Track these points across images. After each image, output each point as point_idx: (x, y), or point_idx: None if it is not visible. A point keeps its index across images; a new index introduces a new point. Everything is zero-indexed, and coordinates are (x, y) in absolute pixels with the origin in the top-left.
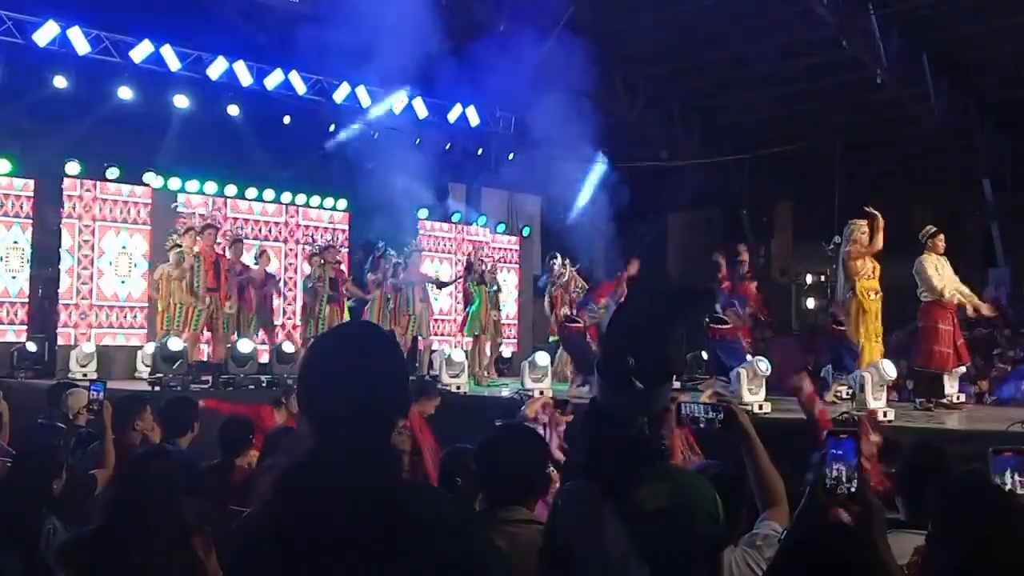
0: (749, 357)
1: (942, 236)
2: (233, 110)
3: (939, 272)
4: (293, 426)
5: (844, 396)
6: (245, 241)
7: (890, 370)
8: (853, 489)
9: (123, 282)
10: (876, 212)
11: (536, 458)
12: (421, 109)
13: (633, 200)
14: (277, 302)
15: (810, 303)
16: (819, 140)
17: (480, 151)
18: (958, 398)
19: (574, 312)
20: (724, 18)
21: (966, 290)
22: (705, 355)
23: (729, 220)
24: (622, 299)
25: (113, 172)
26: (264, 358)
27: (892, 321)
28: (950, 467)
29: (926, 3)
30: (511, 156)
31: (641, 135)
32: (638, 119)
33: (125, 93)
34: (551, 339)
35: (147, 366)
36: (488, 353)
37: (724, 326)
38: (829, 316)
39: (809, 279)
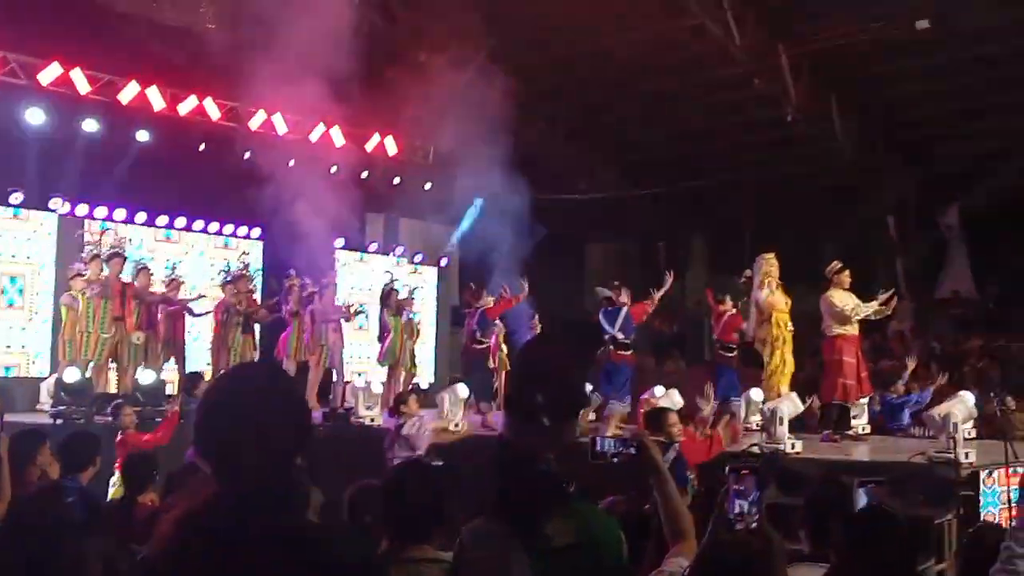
0: (660, 389)
1: (847, 272)
2: (143, 135)
3: (844, 303)
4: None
5: (754, 428)
6: (153, 269)
7: (797, 403)
8: (754, 524)
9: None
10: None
11: (438, 495)
12: (338, 137)
13: (552, 231)
14: (189, 331)
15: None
16: (733, 176)
17: (398, 181)
18: (864, 429)
19: (478, 334)
20: (642, 55)
21: (867, 305)
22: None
23: (646, 252)
24: (533, 329)
25: (17, 197)
26: (171, 389)
27: (803, 352)
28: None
29: (835, 44)
30: (428, 186)
31: (560, 167)
32: (558, 152)
33: (33, 116)
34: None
35: (51, 397)
36: (403, 385)
37: (625, 352)
38: (717, 344)
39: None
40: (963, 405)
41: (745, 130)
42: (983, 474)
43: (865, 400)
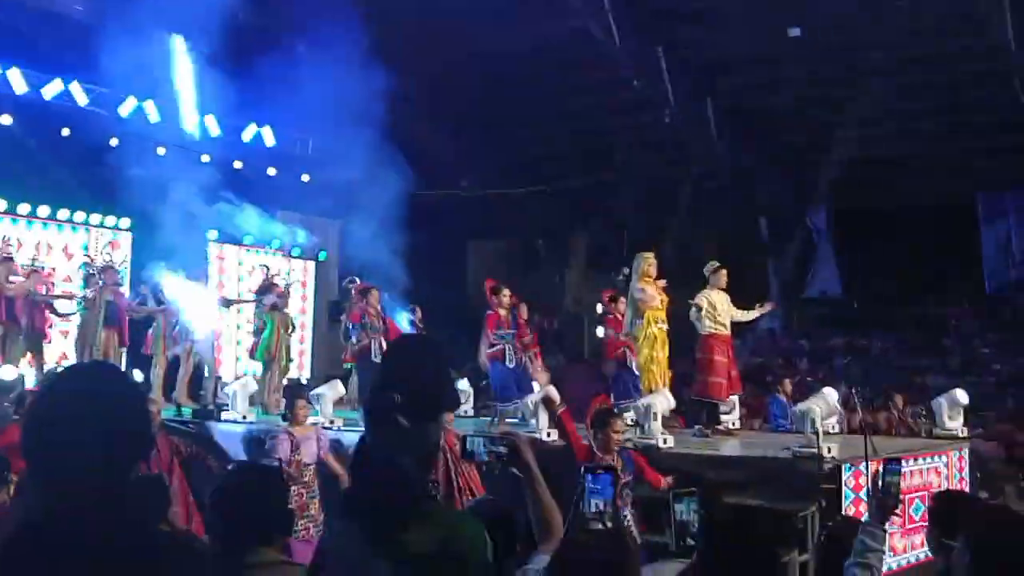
0: (537, 385)
1: (724, 271)
2: (6, 120)
3: (713, 308)
4: None
5: (628, 423)
6: (16, 260)
7: (670, 399)
8: (610, 523)
9: None
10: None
11: (275, 496)
12: (214, 127)
13: (434, 227)
14: (50, 324)
15: (600, 332)
16: (613, 175)
17: (276, 173)
18: (733, 424)
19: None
20: (525, 55)
21: (738, 314)
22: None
23: (526, 250)
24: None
25: None
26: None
27: (679, 351)
28: (715, 500)
29: (713, 50)
30: (306, 178)
31: (443, 163)
32: (440, 148)
33: None
34: (346, 366)
35: None
36: (278, 381)
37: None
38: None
39: (600, 308)
40: (824, 401)
41: (625, 130)
42: (845, 468)
43: (735, 397)
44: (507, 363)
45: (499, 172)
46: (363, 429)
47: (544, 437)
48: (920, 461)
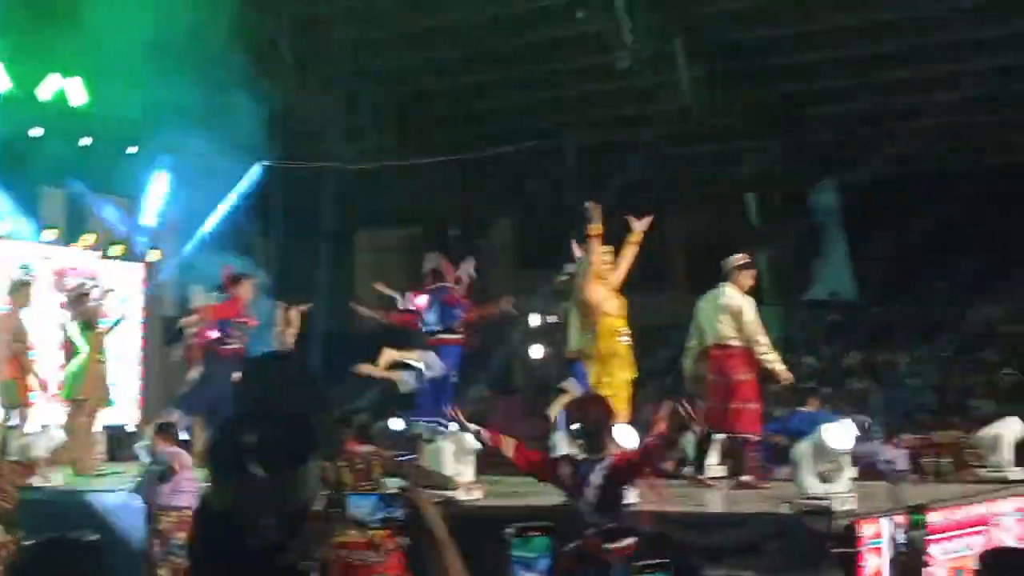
0: (448, 426)
1: (753, 272)
2: None
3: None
4: None
5: None
6: None
7: (630, 437)
8: None
9: None
10: (634, 222)
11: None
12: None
13: (308, 214)
14: None
15: (536, 352)
16: (550, 141)
17: (88, 142)
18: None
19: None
20: None
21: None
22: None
23: (435, 241)
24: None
25: None
26: None
27: (643, 372)
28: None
29: None
30: (133, 150)
31: (316, 128)
32: (312, 106)
33: None
34: None
35: None
36: (95, 426)
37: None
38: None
39: (535, 320)
40: (830, 436)
41: (567, 80)
42: (864, 526)
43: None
44: None
45: (396, 138)
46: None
47: (463, 495)
48: (962, 512)
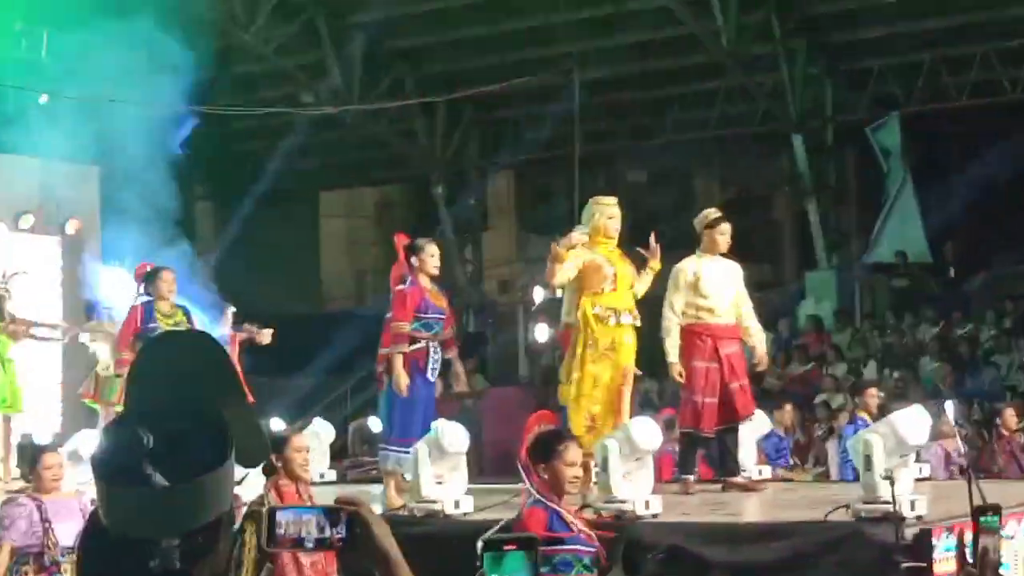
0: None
1: (727, 227)
2: None
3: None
4: None
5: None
6: None
7: (645, 434)
8: None
9: None
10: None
11: None
12: None
13: (259, 172)
14: None
15: (542, 332)
16: (550, 76)
17: None
18: (759, 472)
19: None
20: None
21: (752, 325)
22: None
23: (418, 202)
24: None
25: None
26: None
27: (653, 359)
28: None
29: None
30: (44, 99)
31: (271, 67)
32: (263, 40)
33: None
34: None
35: None
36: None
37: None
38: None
39: (540, 295)
40: (900, 426)
41: (567, 4)
42: (939, 534)
43: (763, 423)
44: (428, 375)
45: (367, 77)
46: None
47: (449, 509)
48: None
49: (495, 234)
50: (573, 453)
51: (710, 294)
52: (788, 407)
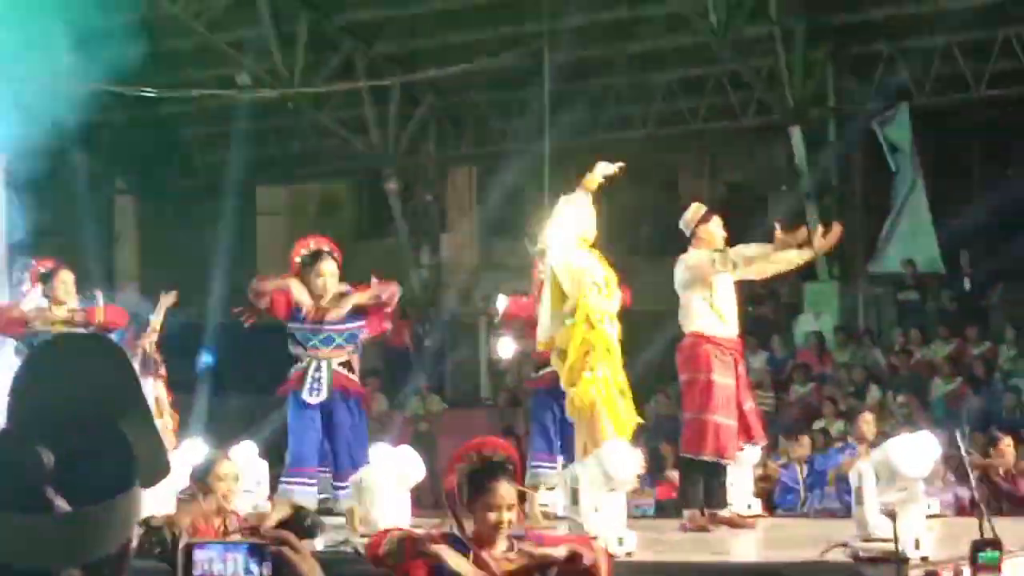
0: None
1: (719, 218)
2: None
3: (712, 292)
4: None
5: (548, 509)
6: None
7: (618, 462)
8: None
9: None
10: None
11: None
12: None
13: (196, 164)
14: None
15: (506, 347)
16: (518, 56)
17: None
18: (748, 507)
19: None
20: None
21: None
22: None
23: (368, 199)
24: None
25: None
26: None
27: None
28: None
29: None
30: None
31: (202, 43)
32: (192, 12)
33: None
34: None
35: None
36: None
37: None
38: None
39: (503, 303)
40: (896, 456)
41: None
42: None
43: (756, 451)
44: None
45: (314, 58)
46: None
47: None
48: None
49: (455, 236)
50: (504, 492)
51: (724, 300)
52: (806, 439)
